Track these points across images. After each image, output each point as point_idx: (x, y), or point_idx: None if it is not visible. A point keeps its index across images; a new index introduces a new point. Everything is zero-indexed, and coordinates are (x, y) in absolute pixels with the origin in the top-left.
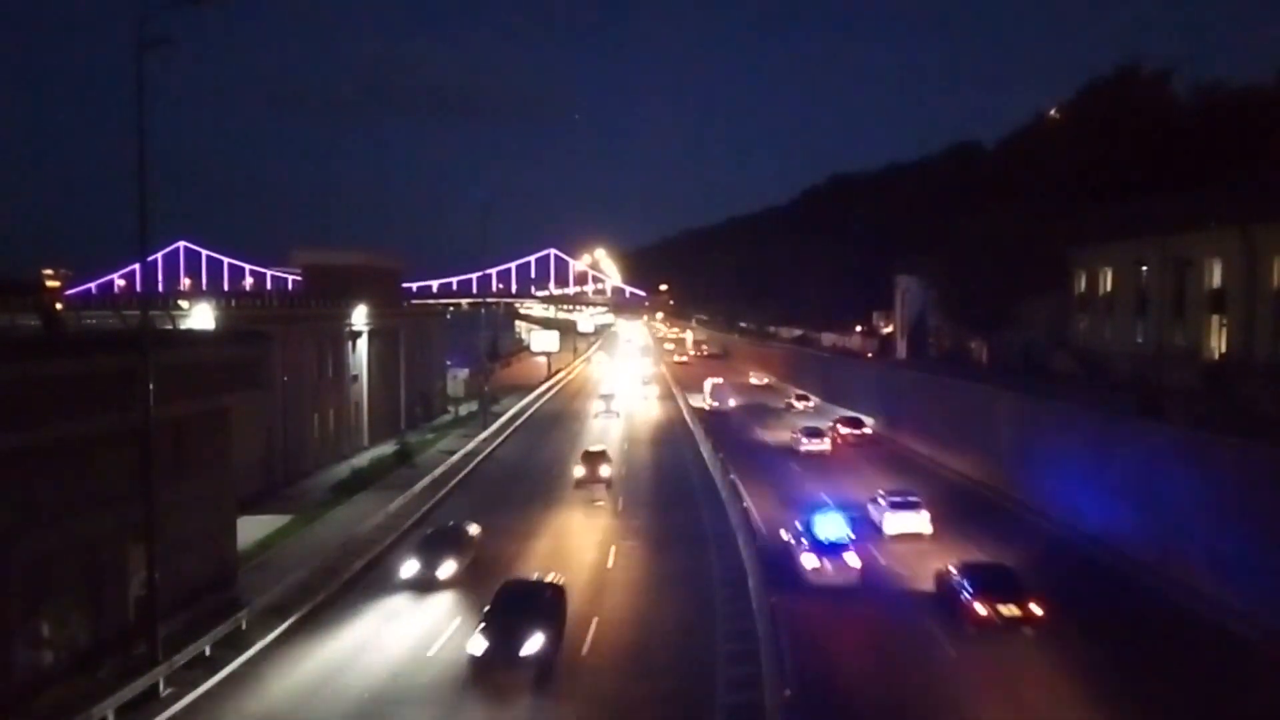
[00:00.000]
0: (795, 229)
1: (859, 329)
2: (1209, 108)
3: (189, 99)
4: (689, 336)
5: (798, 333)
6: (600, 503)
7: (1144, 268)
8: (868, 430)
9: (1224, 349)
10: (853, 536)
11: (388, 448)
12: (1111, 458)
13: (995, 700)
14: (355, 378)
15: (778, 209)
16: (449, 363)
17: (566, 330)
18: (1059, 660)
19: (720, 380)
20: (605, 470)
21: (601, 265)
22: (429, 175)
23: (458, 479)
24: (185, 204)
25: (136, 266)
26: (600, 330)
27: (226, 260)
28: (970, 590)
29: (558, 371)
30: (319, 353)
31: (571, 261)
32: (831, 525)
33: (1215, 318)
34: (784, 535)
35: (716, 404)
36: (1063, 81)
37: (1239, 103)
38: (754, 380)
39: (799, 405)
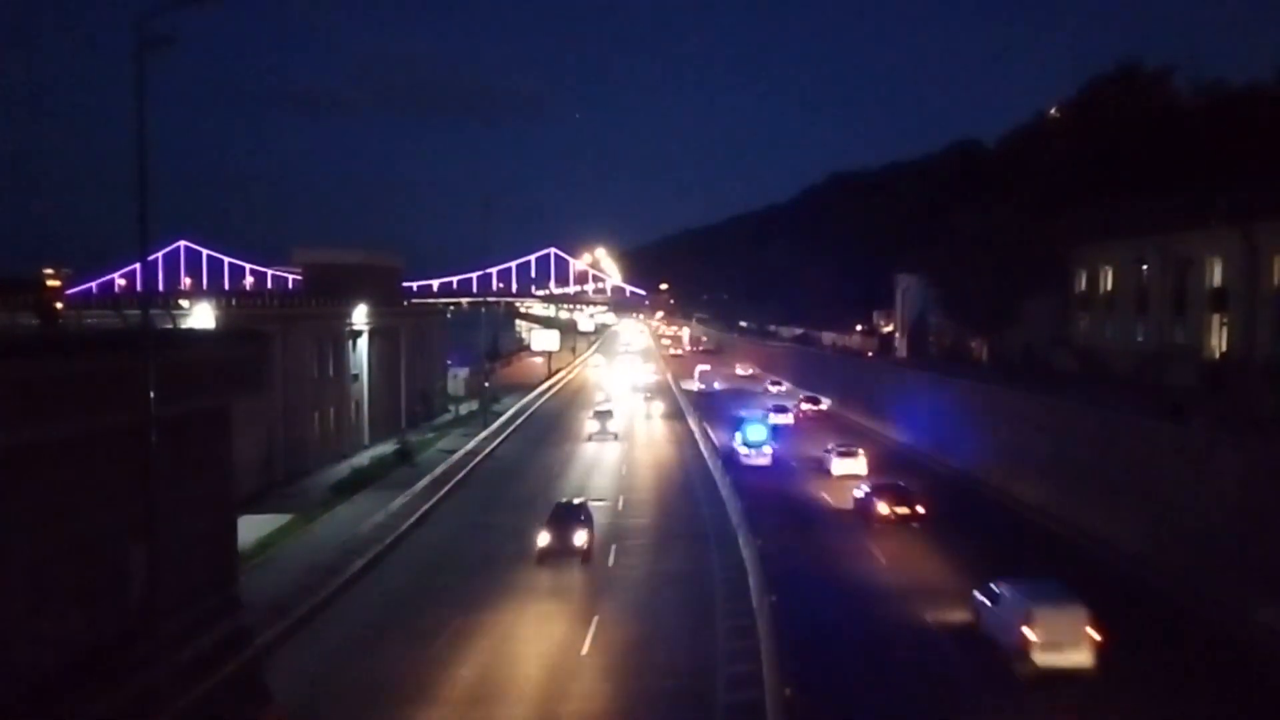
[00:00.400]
0: (796, 228)
1: (859, 328)
2: (1210, 107)
3: (190, 98)
4: (685, 333)
5: (798, 331)
6: (603, 503)
7: (1145, 266)
8: (823, 407)
9: (1225, 348)
10: (771, 438)
11: (388, 447)
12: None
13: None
14: (355, 377)
15: (778, 208)
16: (449, 362)
17: (567, 329)
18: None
19: (708, 368)
20: (580, 538)
21: (602, 264)
22: (429, 174)
23: (458, 478)
24: (186, 203)
25: (137, 266)
26: (600, 330)
27: (227, 259)
28: (876, 499)
29: (558, 370)
30: (319, 352)
31: (572, 260)
32: (755, 431)
33: (1216, 316)
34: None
35: (704, 386)
36: (1064, 80)
37: (1240, 102)
38: (739, 370)
39: (773, 389)
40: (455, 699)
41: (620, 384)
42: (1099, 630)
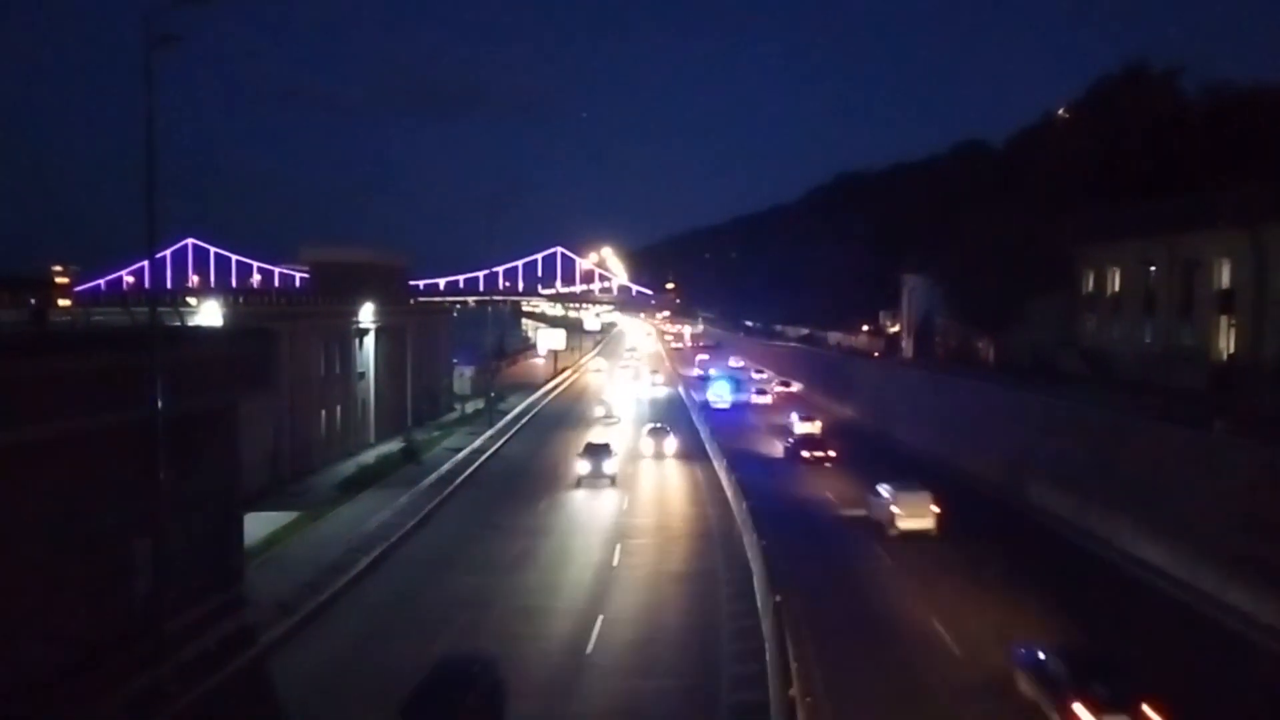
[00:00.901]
0: (802, 228)
1: (865, 328)
2: (1218, 107)
3: (198, 96)
4: (686, 331)
5: (804, 332)
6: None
7: (1152, 267)
8: (794, 389)
9: (1232, 350)
10: (731, 392)
11: (394, 445)
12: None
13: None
14: (362, 375)
15: (784, 208)
16: (455, 360)
17: (573, 328)
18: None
19: (707, 357)
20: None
21: (608, 263)
22: (436, 173)
23: (464, 476)
24: (194, 201)
25: (145, 263)
26: (606, 329)
27: (234, 257)
28: (798, 446)
29: (564, 369)
30: (326, 350)
31: (578, 260)
32: (720, 388)
33: (1224, 318)
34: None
35: (702, 372)
36: (1071, 80)
37: (1248, 102)
38: (731, 362)
39: (756, 376)
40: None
41: (622, 398)
42: (940, 508)
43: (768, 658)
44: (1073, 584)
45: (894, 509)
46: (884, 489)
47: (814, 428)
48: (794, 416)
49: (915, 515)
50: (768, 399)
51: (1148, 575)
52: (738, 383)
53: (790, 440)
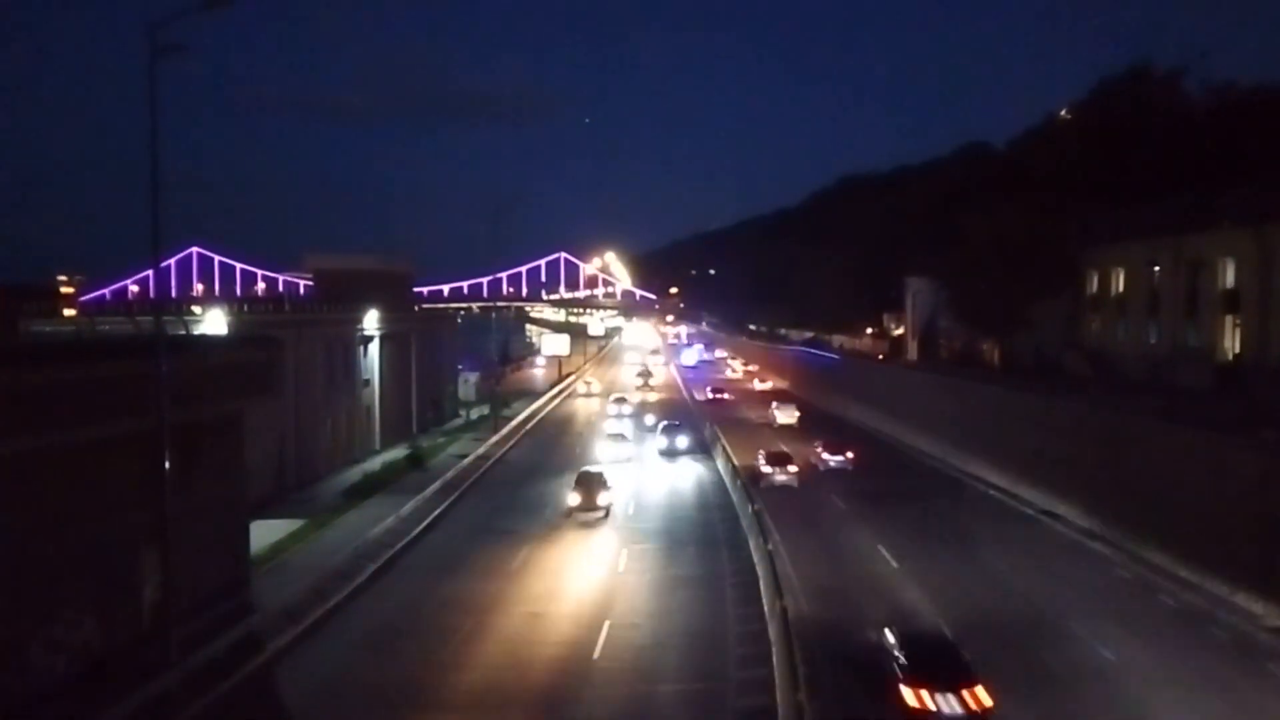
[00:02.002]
0: (805, 231)
1: (869, 331)
2: (1222, 107)
3: (202, 105)
4: (683, 329)
5: (808, 335)
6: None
7: (1157, 268)
8: (769, 385)
9: (1238, 349)
10: (699, 359)
11: (399, 452)
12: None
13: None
14: (366, 382)
15: (788, 211)
16: (460, 367)
17: (577, 334)
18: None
19: (701, 346)
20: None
21: (612, 268)
22: (439, 179)
23: (469, 483)
24: (198, 209)
25: (149, 272)
26: (610, 334)
27: (239, 265)
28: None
29: (568, 374)
30: (330, 357)
31: (582, 265)
32: (688, 354)
33: (1229, 318)
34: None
35: (679, 343)
36: (1074, 81)
37: (1252, 102)
38: (719, 353)
39: (733, 363)
40: (464, 705)
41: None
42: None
43: (775, 662)
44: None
45: (775, 412)
46: (773, 404)
47: (792, 414)
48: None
49: (787, 415)
50: (713, 358)
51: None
52: (701, 351)
53: (772, 410)
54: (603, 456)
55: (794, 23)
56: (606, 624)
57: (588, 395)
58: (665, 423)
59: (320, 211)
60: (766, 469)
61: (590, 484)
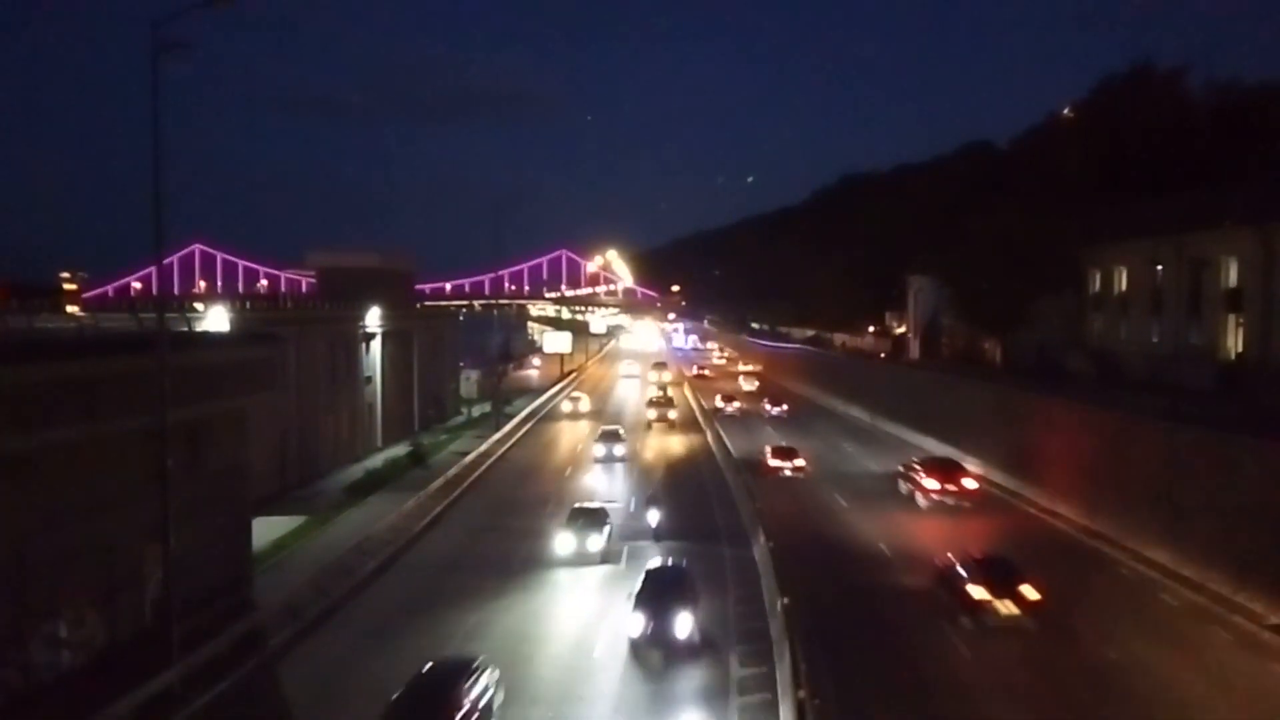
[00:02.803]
0: (807, 229)
1: (871, 329)
2: (1224, 106)
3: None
4: (681, 326)
5: (810, 333)
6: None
7: (1159, 267)
8: (751, 368)
9: (1240, 348)
10: (688, 344)
11: (401, 449)
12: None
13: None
14: (369, 379)
15: (790, 209)
16: (462, 364)
17: (579, 331)
18: (754, 395)
19: (695, 336)
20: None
21: (613, 266)
22: (441, 177)
23: (471, 480)
24: (201, 206)
25: (153, 269)
26: (611, 332)
27: (241, 263)
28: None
29: (570, 372)
30: (332, 355)
31: (583, 262)
32: (678, 338)
33: (1232, 317)
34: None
35: (672, 329)
36: (1076, 80)
37: (1254, 101)
38: (708, 345)
39: (719, 352)
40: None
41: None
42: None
43: (775, 659)
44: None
45: (741, 381)
46: (740, 377)
47: (753, 383)
48: (739, 375)
49: (749, 383)
50: (703, 348)
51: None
52: (695, 340)
53: (754, 388)
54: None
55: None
56: (606, 620)
57: (573, 417)
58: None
59: (323, 209)
60: (722, 405)
61: (584, 522)
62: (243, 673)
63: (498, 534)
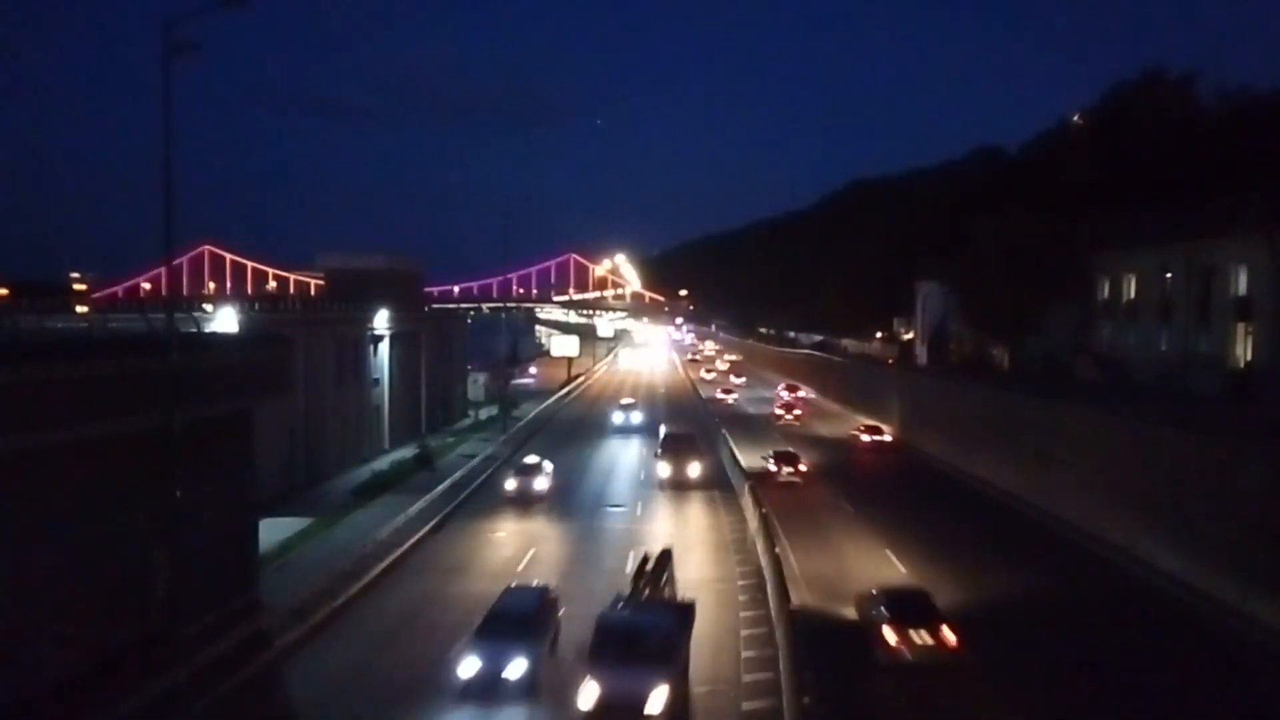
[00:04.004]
0: (817, 234)
1: (879, 334)
2: (1234, 113)
3: (215, 104)
4: (684, 326)
5: (818, 338)
6: (622, 508)
7: (1169, 274)
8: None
9: (1250, 357)
10: (686, 340)
11: (408, 451)
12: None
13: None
14: (376, 381)
15: (798, 214)
16: (470, 367)
17: (586, 335)
18: (728, 371)
19: (695, 338)
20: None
21: (621, 270)
22: (450, 179)
23: (478, 483)
24: (210, 208)
25: (162, 270)
26: (618, 336)
27: (250, 264)
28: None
29: (577, 376)
30: (340, 356)
31: (592, 266)
32: (677, 334)
33: (1241, 325)
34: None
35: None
36: (1087, 86)
37: (1265, 108)
38: (704, 343)
39: (711, 347)
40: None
41: None
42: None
43: (781, 665)
44: None
45: (716, 361)
46: (716, 361)
47: (724, 363)
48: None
49: (724, 363)
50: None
51: None
52: (693, 338)
53: (727, 366)
54: None
55: (806, 26)
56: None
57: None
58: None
59: (332, 211)
60: (718, 391)
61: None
62: (249, 673)
63: (505, 536)
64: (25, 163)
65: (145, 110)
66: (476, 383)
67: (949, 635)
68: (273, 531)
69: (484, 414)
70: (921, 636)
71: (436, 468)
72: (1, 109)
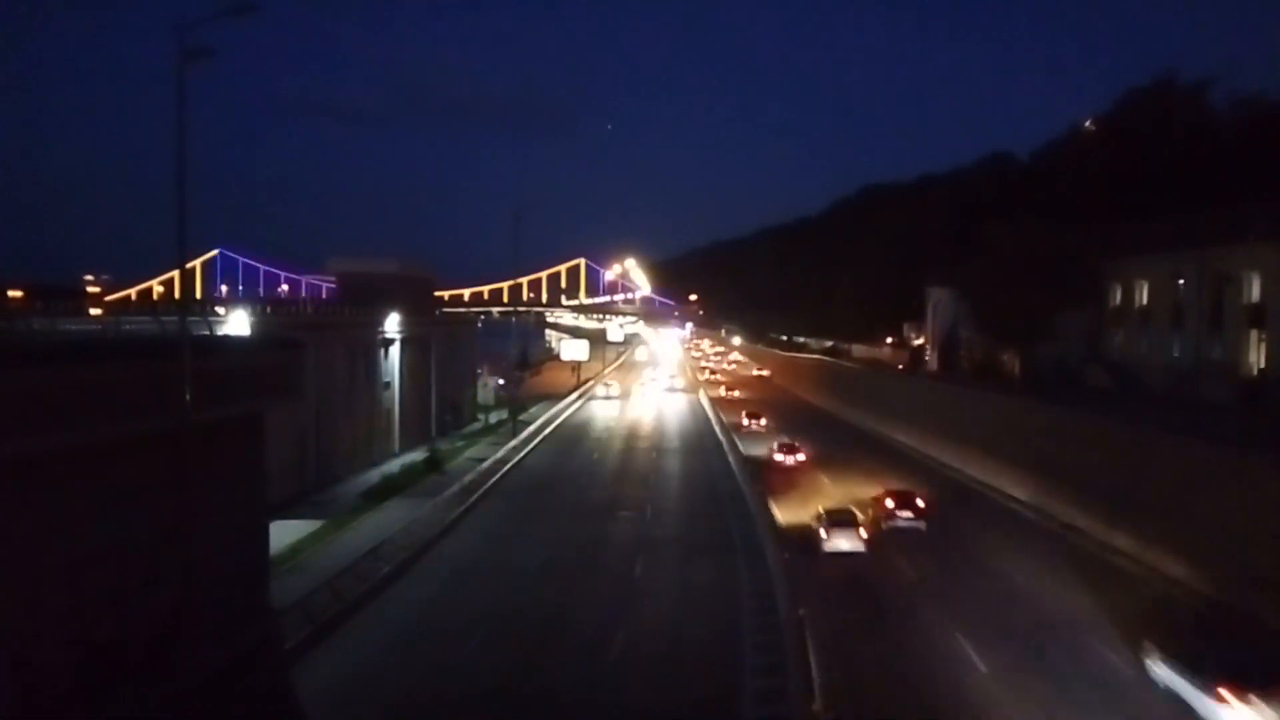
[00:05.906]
0: (827, 240)
1: (890, 340)
2: (1247, 119)
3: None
4: (688, 326)
5: (828, 344)
6: (627, 514)
7: (1181, 281)
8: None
9: (1263, 365)
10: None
11: (418, 455)
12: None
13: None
14: (387, 385)
15: (809, 219)
16: (480, 370)
17: (596, 339)
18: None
19: (700, 340)
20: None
21: (632, 275)
22: (462, 184)
23: (487, 487)
24: (224, 212)
25: (175, 273)
26: (629, 341)
27: (263, 268)
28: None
29: (586, 380)
30: (351, 360)
31: (602, 271)
32: (680, 334)
33: (1254, 332)
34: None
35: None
36: (1099, 92)
37: (1278, 115)
38: (704, 341)
39: (710, 345)
40: (479, 708)
41: None
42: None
43: (790, 670)
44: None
45: (706, 349)
46: (704, 350)
47: (727, 361)
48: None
49: (712, 350)
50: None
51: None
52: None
53: (731, 364)
54: None
55: (817, 32)
56: (623, 628)
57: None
58: None
59: (344, 215)
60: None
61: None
62: (259, 676)
63: (512, 540)
64: (38, 167)
65: (159, 115)
66: (486, 386)
67: (862, 533)
68: (284, 534)
69: (494, 418)
70: (848, 536)
71: (446, 471)
72: (15, 113)
